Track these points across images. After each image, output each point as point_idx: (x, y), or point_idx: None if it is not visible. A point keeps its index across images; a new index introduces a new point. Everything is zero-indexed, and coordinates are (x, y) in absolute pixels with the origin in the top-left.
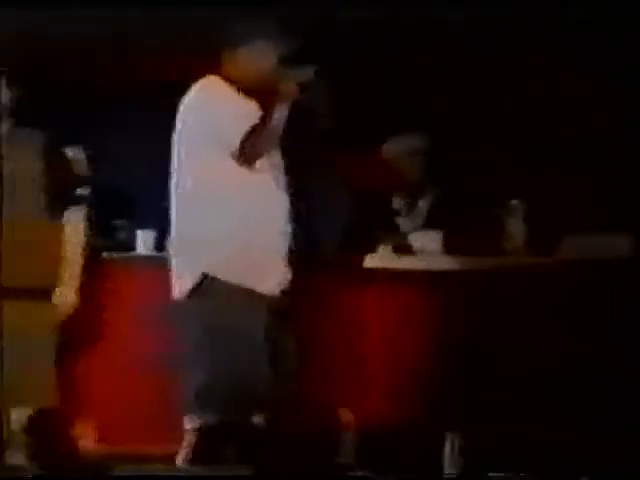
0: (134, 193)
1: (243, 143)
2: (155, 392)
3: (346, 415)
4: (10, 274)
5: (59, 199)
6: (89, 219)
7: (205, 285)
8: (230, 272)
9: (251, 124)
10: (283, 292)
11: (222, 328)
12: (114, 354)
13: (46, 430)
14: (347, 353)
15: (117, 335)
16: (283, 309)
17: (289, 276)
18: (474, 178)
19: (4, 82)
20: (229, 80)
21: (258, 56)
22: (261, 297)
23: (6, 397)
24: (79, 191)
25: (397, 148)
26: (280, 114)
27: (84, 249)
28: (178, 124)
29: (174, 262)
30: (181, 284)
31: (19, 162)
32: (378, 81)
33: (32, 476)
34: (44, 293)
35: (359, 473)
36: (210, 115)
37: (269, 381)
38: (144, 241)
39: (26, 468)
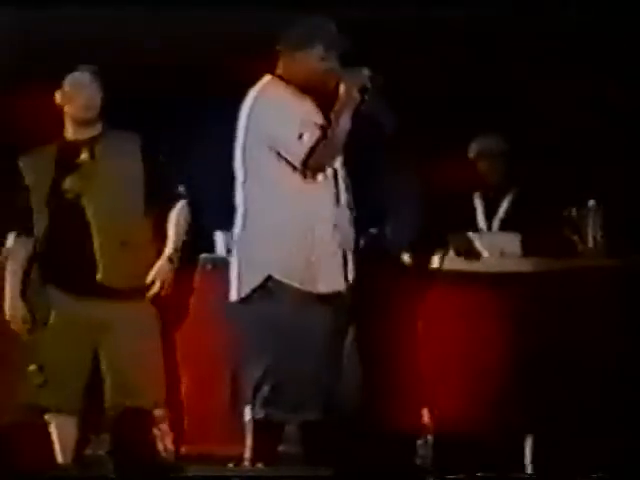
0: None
1: (308, 157)
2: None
3: (425, 417)
4: (111, 273)
5: (155, 197)
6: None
7: (267, 287)
8: (291, 274)
9: (310, 129)
10: (351, 292)
11: (283, 328)
12: (190, 353)
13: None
14: (424, 355)
15: (190, 334)
16: (347, 309)
17: (349, 277)
18: (551, 179)
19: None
20: (285, 81)
21: (313, 57)
22: (322, 298)
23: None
24: (178, 189)
25: (478, 149)
26: (344, 124)
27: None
28: (240, 126)
29: (235, 263)
30: (242, 285)
31: (115, 162)
32: (460, 81)
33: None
34: (142, 291)
35: (438, 475)
36: (269, 119)
37: (330, 380)
38: (224, 242)
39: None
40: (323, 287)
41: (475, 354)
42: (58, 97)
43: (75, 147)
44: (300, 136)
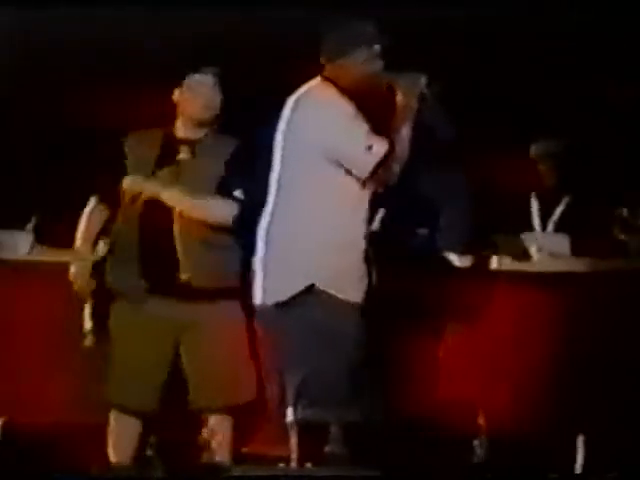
0: None
1: (376, 169)
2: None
3: (479, 417)
4: (195, 273)
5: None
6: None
7: (305, 293)
8: (333, 283)
9: (378, 140)
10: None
11: (324, 332)
12: None
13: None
14: (477, 356)
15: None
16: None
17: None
18: (604, 180)
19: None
20: (334, 85)
21: (363, 61)
22: (355, 305)
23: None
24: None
25: (539, 151)
26: (406, 134)
27: None
28: (287, 127)
29: (269, 269)
30: (278, 289)
31: (210, 164)
32: (518, 82)
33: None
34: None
35: (491, 475)
36: (328, 128)
37: (373, 381)
38: None
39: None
40: (355, 294)
41: (525, 354)
42: (176, 94)
43: (179, 144)
44: (369, 147)
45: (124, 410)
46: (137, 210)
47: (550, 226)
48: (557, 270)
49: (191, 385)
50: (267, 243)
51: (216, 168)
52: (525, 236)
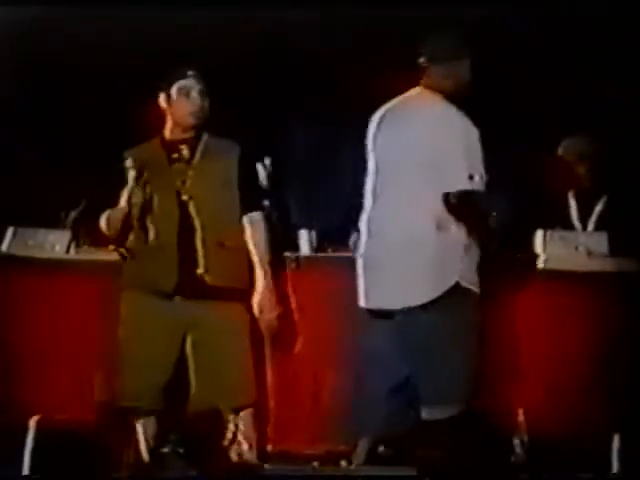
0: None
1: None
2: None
3: (518, 416)
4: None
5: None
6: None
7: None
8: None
9: (479, 170)
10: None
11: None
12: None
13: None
14: (515, 355)
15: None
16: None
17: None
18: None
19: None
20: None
21: (459, 69)
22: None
23: (201, 395)
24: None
25: (573, 150)
26: None
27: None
28: (387, 134)
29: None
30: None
31: (213, 164)
32: (554, 82)
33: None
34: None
35: (530, 474)
36: (437, 143)
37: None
38: (308, 241)
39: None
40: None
41: (563, 353)
42: (163, 101)
43: (175, 144)
44: (471, 177)
45: (136, 412)
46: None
47: (590, 226)
48: (595, 270)
49: (190, 385)
50: (385, 249)
51: (220, 169)
52: (562, 234)
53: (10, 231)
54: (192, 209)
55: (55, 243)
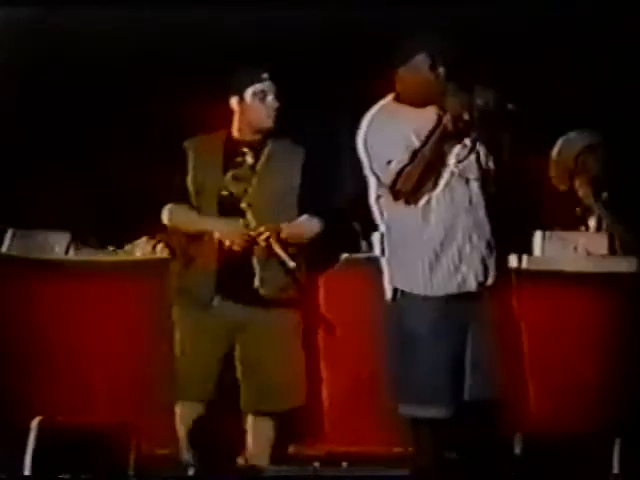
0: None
1: (396, 180)
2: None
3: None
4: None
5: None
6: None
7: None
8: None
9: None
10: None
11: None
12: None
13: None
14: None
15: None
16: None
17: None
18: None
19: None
20: (401, 99)
21: (422, 71)
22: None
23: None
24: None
25: (573, 145)
26: (432, 150)
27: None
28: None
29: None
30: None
31: (276, 170)
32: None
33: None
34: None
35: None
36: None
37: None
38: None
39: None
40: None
41: (563, 355)
42: (235, 103)
43: (240, 145)
44: (388, 162)
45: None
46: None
47: (592, 224)
48: (593, 270)
49: (242, 386)
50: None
51: (283, 176)
52: (561, 235)
53: (10, 232)
54: (250, 217)
55: (55, 244)
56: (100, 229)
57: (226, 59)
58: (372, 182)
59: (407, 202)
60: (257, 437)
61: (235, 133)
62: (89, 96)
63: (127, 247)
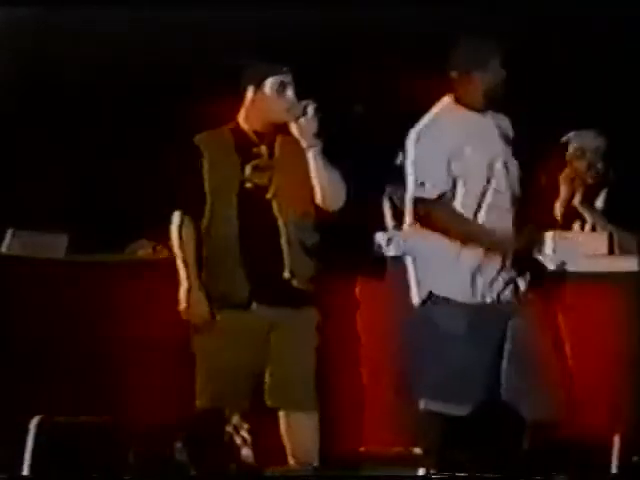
0: None
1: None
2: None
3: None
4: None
5: None
6: None
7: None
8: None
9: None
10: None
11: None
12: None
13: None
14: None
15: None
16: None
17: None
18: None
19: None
20: (462, 103)
21: (489, 78)
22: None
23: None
24: None
25: (576, 144)
26: None
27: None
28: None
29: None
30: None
31: (294, 161)
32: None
33: None
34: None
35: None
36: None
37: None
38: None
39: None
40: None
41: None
42: (251, 92)
43: (251, 136)
44: (421, 184)
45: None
46: (234, 213)
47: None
48: (594, 270)
49: (268, 383)
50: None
51: (302, 167)
52: (561, 234)
53: (10, 232)
54: (275, 209)
55: (54, 244)
56: (100, 229)
57: (226, 59)
58: (411, 182)
59: None
60: (304, 435)
61: (243, 124)
62: (89, 96)
63: (128, 247)
